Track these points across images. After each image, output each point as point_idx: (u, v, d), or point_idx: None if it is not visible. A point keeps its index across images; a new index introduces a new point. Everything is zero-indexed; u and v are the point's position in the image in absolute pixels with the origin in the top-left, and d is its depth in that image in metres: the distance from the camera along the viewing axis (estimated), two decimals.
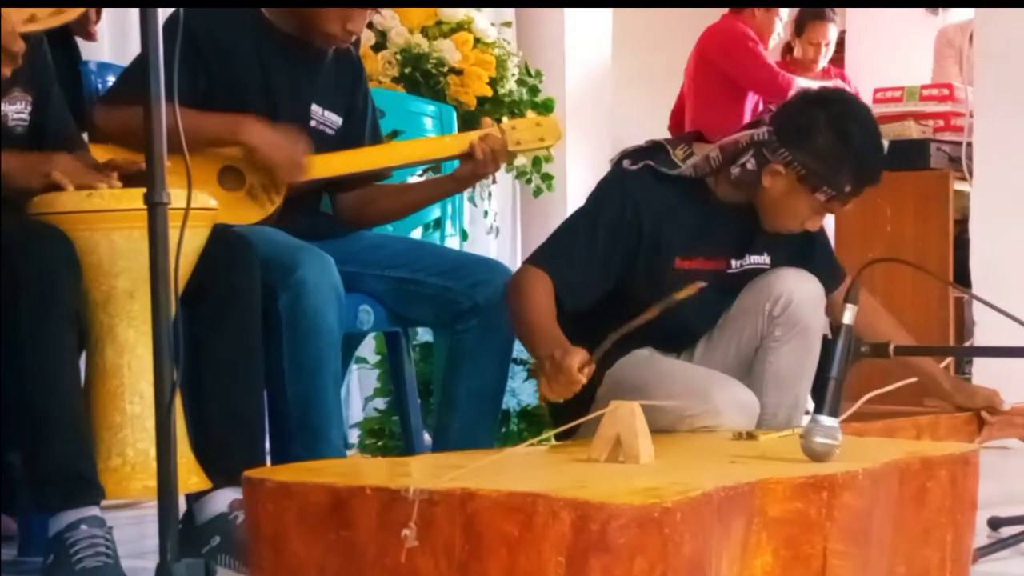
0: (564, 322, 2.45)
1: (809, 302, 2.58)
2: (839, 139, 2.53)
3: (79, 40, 3.10)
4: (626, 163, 2.63)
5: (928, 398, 3.04)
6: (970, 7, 4.91)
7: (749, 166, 2.57)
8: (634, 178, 2.60)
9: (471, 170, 2.81)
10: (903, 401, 2.69)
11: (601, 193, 2.64)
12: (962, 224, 4.67)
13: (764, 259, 2.69)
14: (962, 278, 4.49)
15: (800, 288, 2.59)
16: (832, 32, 6.00)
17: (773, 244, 2.68)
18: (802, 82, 5.00)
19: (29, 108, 2.39)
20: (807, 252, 2.74)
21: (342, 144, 2.83)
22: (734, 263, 2.67)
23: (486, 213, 5.19)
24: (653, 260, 2.58)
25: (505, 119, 2.85)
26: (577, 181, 5.72)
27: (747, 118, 5.07)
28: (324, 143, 2.79)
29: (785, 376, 2.59)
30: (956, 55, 5.30)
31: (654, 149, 2.66)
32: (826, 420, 1.93)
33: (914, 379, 2.29)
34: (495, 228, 5.26)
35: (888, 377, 2.14)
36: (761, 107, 5.16)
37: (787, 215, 2.60)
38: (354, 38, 2.79)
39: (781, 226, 2.63)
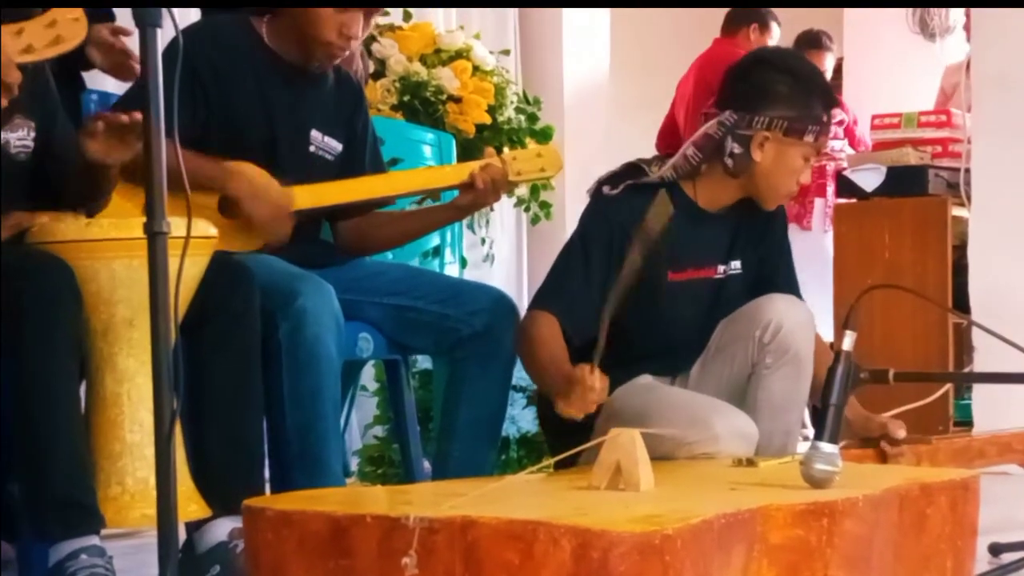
0: (574, 358, 2.46)
1: (800, 328, 2.59)
2: (794, 78, 2.62)
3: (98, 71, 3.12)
4: (605, 189, 2.65)
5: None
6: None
7: (736, 150, 2.61)
8: (615, 202, 2.62)
9: (472, 200, 2.82)
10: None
11: (586, 224, 2.66)
12: (960, 250, 4.67)
13: (738, 265, 2.72)
14: (961, 304, 4.49)
15: (790, 314, 2.60)
16: (829, 61, 6.02)
17: (747, 249, 2.72)
18: None
19: (32, 135, 2.40)
20: (774, 258, 2.76)
21: (342, 170, 2.84)
22: (720, 268, 2.70)
23: (483, 240, 5.20)
24: (645, 279, 2.58)
25: (506, 149, 2.86)
26: (575, 208, 5.71)
27: None
28: (324, 169, 2.80)
29: (778, 404, 2.59)
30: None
31: (630, 170, 2.68)
32: (826, 447, 1.93)
33: (925, 401, 2.26)
34: (491, 256, 5.27)
35: (888, 401, 2.14)
36: None
37: (784, 176, 2.63)
38: (353, 44, 2.79)
39: (782, 192, 2.66)
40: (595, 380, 2.23)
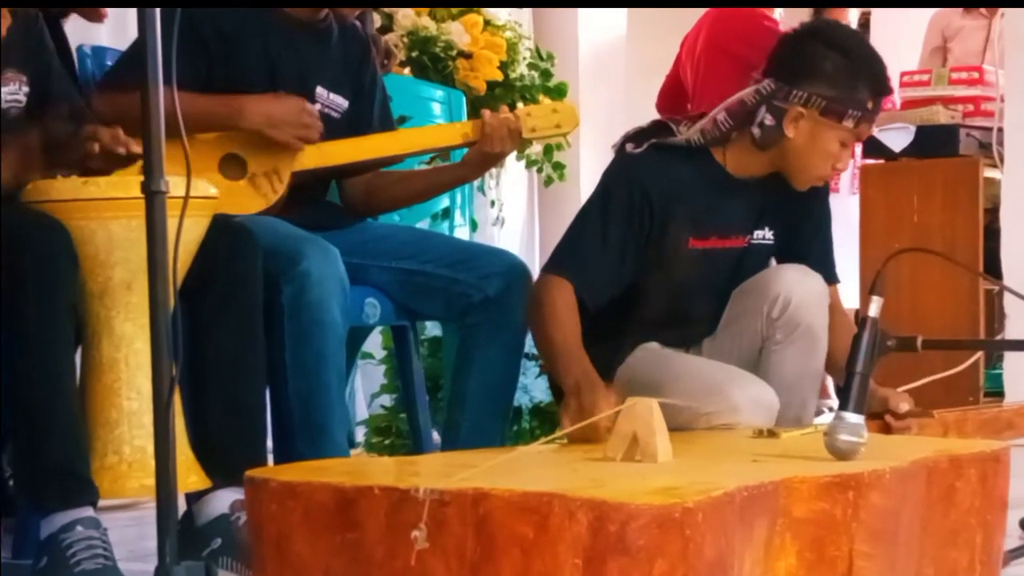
0: (584, 321, 2.45)
1: (809, 301, 2.56)
2: (844, 56, 2.56)
3: (82, 21, 3.10)
4: (629, 146, 2.62)
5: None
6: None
7: (767, 122, 2.57)
8: (639, 161, 2.59)
9: (479, 152, 2.80)
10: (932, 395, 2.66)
11: (607, 182, 2.63)
12: (992, 213, 4.66)
13: (768, 235, 2.69)
14: (992, 269, 4.48)
15: (800, 287, 2.58)
16: (852, 15, 5.97)
17: (777, 220, 2.68)
18: None
19: (25, 89, 2.39)
20: (808, 234, 2.73)
21: (349, 128, 2.83)
22: (755, 234, 2.67)
23: (494, 203, 5.19)
24: (666, 243, 2.57)
25: (520, 105, 2.84)
26: (591, 169, 5.71)
27: None
28: (331, 127, 2.79)
29: (790, 379, 2.57)
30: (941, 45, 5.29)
31: (657, 128, 2.65)
32: (851, 417, 1.92)
33: (954, 370, 2.24)
34: (502, 219, 5.26)
35: (915, 371, 2.13)
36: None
37: (817, 158, 2.58)
38: None
39: (814, 174, 2.62)
40: (607, 422, 2.16)
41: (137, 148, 1.97)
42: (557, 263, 2.55)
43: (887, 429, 2.59)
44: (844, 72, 2.54)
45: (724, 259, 2.65)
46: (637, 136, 2.64)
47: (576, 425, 2.12)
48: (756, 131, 2.58)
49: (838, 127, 2.55)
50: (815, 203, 2.75)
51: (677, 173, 2.58)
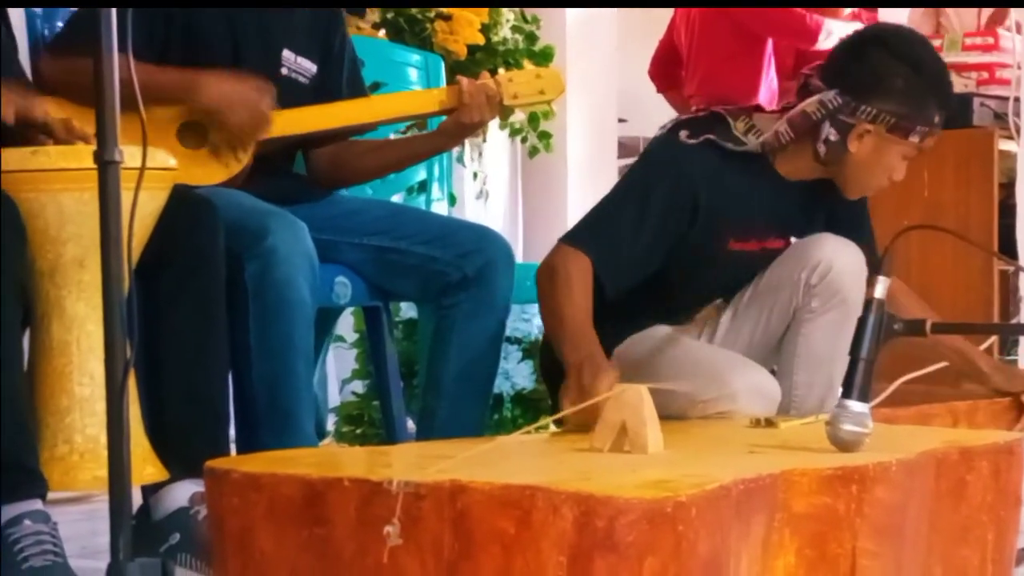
0: (599, 305, 2.45)
1: (851, 271, 2.58)
2: (915, 72, 2.58)
3: None
4: (683, 134, 2.63)
5: (965, 381, 3.02)
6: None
7: (832, 138, 2.60)
8: (693, 153, 2.61)
9: (457, 121, 2.80)
10: (940, 384, 2.69)
11: (653, 166, 2.64)
12: (1008, 188, 4.67)
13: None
14: (1008, 248, 4.49)
15: (842, 255, 2.60)
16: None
17: (819, 222, 2.71)
18: (835, 25, 4.97)
19: None
20: (848, 227, 2.76)
21: (317, 94, 2.83)
22: (785, 240, 2.70)
23: (475, 175, 5.18)
24: (704, 243, 2.60)
25: (501, 71, 2.84)
26: (578, 139, 5.71)
27: (765, 70, 5.05)
28: (297, 93, 2.78)
29: (819, 353, 2.59)
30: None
31: (713, 120, 2.67)
32: (855, 406, 1.93)
33: (945, 363, 2.29)
34: (484, 192, 5.25)
35: (924, 357, 2.14)
36: (779, 57, 5.13)
37: (877, 173, 2.64)
38: None
39: (870, 187, 2.68)
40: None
41: (91, 130, 1.96)
42: (581, 237, 2.55)
43: (1022, 409, 2.68)
44: (915, 88, 2.57)
45: (762, 260, 2.69)
46: (692, 125, 2.65)
47: (573, 408, 2.12)
48: (821, 147, 2.62)
49: (903, 143, 2.60)
50: (858, 205, 2.80)
51: (729, 175, 2.62)
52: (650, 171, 2.63)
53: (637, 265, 2.55)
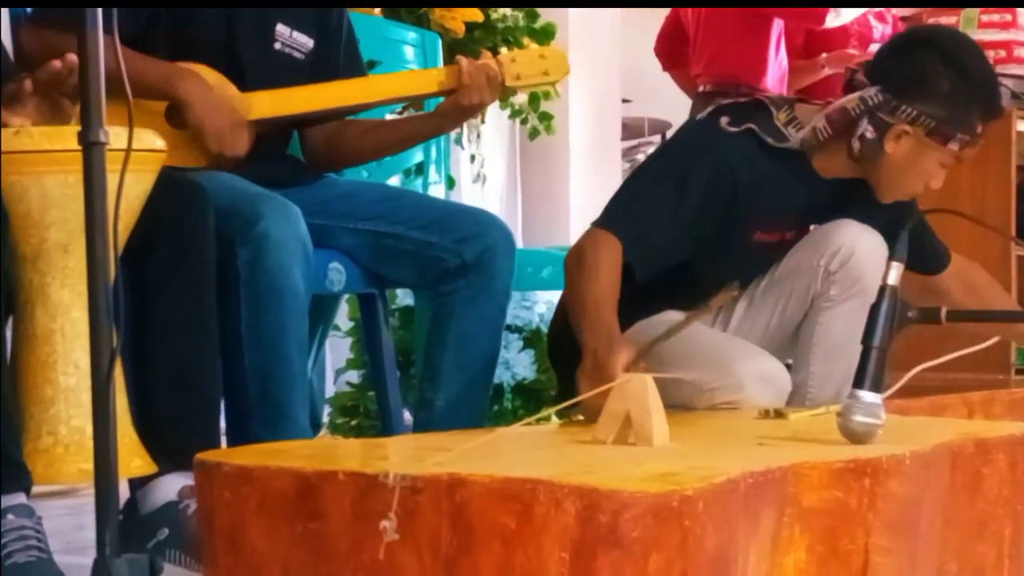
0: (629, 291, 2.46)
1: (872, 258, 2.58)
2: (961, 77, 2.58)
3: None
4: (724, 121, 2.63)
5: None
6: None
7: (868, 135, 2.60)
8: (734, 141, 2.62)
9: (456, 103, 2.79)
10: (956, 370, 2.69)
11: (690, 150, 2.65)
12: None
13: None
14: None
15: (863, 242, 2.60)
16: None
17: (865, 220, 2.70)
18: (844, 7, 4.96)
19: None
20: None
21: (313, 71, 2.82)
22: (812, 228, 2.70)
23: (473, 158, 5.18)
24: (731, 232, 2.60)
25: (503, 50, 2.84)
26: (581, 121, 5.70)
27: (774, 49, 5.04)
28: (292, 69, 2.78)
29: (838, 341, 2.60)
30: None
31: (755, 108, 2.67)
32: (867, 396, 1.93)
33: (997, 338, 2.26)
34: (482, 176, 5.25)
35: (942, 344, 2.13)
36: (785, 38, 5.11)
37: (913, 177, 2.64)
38: None
39: (904, 192, 2.69)
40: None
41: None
42: (613, 220, 2.55)
43: None
44: (959, 94, 2.57)
45: (781, 251, 2.70)
46: (733, 112, 2.65)
47: (590, 393, 2.11)
48: (856, 144, 2.62)
49: (942, 149, 2.60)
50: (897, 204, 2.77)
51: (767, 167, 2.63)
52: (689, 155, 2.63)
53: (669, 251, 2.55)
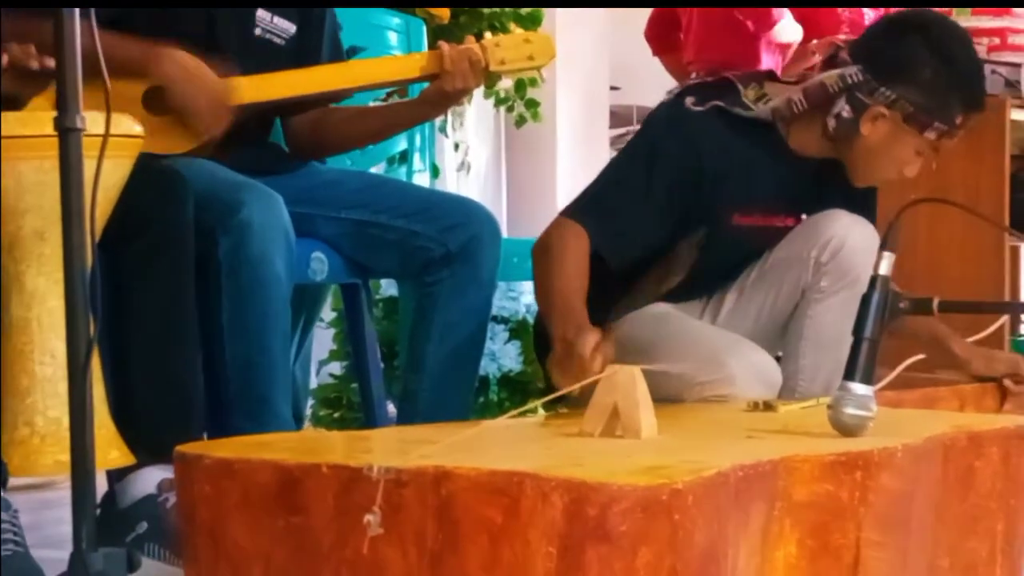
0: (600, 281, 2.46)
1: (863, 249, 2.58)
2: (945, 66, 2.58)
3: None
4: (689, 101, 2.63)
5: (942, 371, 3.02)
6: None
7: (844, 114, 2.60)
8: (699, 121, 2.61)
9: (439, 89, 2.78)
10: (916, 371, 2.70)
11: (657, 134, 2.64)
12: (1020, 160, 4.66)
13: None
14: (1020, 223, 4.49)
15: (855, 232, 2.61)
16: None
17: (838, 204, 2.71)
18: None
19: None
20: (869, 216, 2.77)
21: (295, 57, 2.81)
22: (798, 219, 2.70)
23: (457, 145, 5.18)
24: (707, 216, 2.59)
25: (488, 35, 2.83)
26: (568, 108, 5.70)
27: (767, 36, 5.03)
28: (273, 55, 2.77)
29: (828, 334, 2.60)
30: None
31: (723, 87, 2.67)
32: (858, 388, 1.93)
33: (922, 356, 2.28)
34: (467, 164, 5.25)
35: (901, 349, 2.14)
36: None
37: (887, 162, 2.64)
38: None
39: (877, 176, 2.69)
40: (597, 359, 2.21)
41: (51, 63, 1.94)
42: (579, 209, 2.56)
43: (1004, 395, 2.72)
44: (942, 83, 2.57)
45: (767, 237, 2.69)
46: (699, 91, 2.65)
47: (569, 385, 2.12)
48: (831, 122, 2.62)
49: (918, 137, 2.60)
50: (869, 191, 2.80)
51: (737, 144, 2.63)
52: (654, 139, 2.63)
53: (641, 237, 2.55)
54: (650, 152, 2.60)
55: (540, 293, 2.51)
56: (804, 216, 2.70)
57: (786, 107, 2.64)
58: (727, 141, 2.61)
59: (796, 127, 2.67)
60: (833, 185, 2.72)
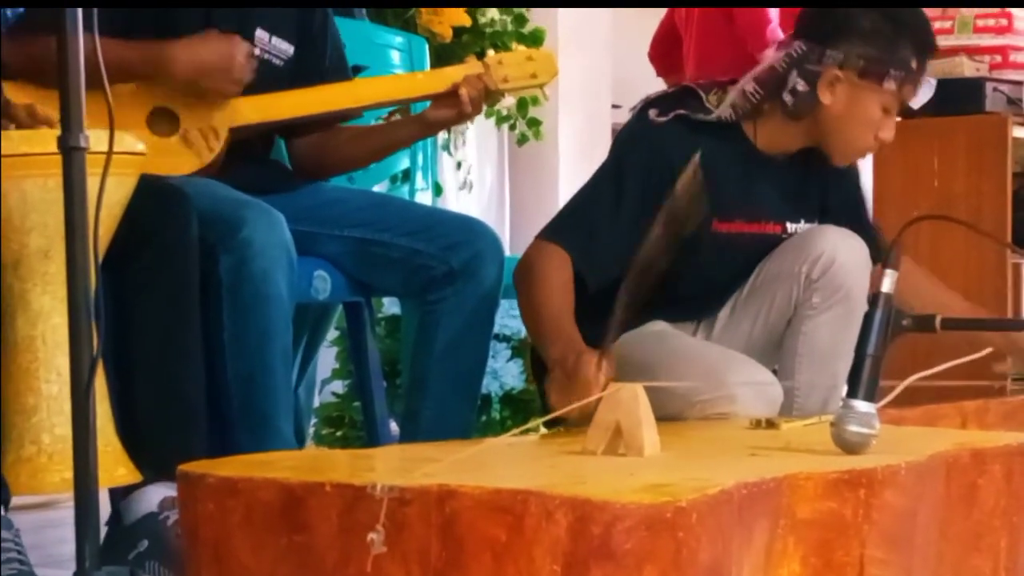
0: (585, 301, 2.45)
1: (854, 264, 2.59)
2: (881, 14, 2.58)
3: None
4: (652, 113, 2.63)
5: (998, 365, 2.99)
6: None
7: (800, 88, 2.59)
8: (663, 131, 2.61)
9: (447, 115, 2.80)
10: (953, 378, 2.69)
11: (624, 150, 2.65)
12: (1022, 178, 4.67)
13: (806, 226, 2.71)
14: (1022, 240, 4.50)
15: (844, 247, 2.60)
16: None
17: (814, 208, 2.72)
18: None
19: None
20: (845, 216, 2.75)
21: (294, 78, 2.82)
22: (789, 227, 2.70)
23: (459, 164, 5.18)
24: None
25: (490, 52, 2.84)
26: (570, 127, 5.70)
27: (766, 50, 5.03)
28: (272, 77, 2.77)
29: (823, 351, 2.60)
30: None
31: (684, 95, 2.67)
32: (861, 405, 1.93)
33: (990, 349, 2.25)
34: (468, 182, 5.26)
35: (933, 353, 2.13)
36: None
37: (857, 127, 2.62)
38: None
39: (856, 147, 2.66)
40: (600, 380, 2.19)
41: (56, 116, 1.96)
42: (556, 231, 2.56)
43: None
44: (884, 28, 2.58)
45: (750, 245, 2.68)
46: (661, 102, 2.65)
47: (572, 406, 2.11)
48: (788, 98, 2.61)
49: (879, 90, 2.59)
50: (848, 184, 2.80)
51: (704, 149, 2.60)
52: (622, 156, 2.64)
53: (620, 253, 2.54)
54: (618, 169, 2.60)
55: (527, 317, 2.51)
56: (787, 222, 2.70)
57: (743, 99, 2.64)
58: (693, 147, 2.59)
59: (762, 124, 2.66)
60: (813, 187, 2.72)
